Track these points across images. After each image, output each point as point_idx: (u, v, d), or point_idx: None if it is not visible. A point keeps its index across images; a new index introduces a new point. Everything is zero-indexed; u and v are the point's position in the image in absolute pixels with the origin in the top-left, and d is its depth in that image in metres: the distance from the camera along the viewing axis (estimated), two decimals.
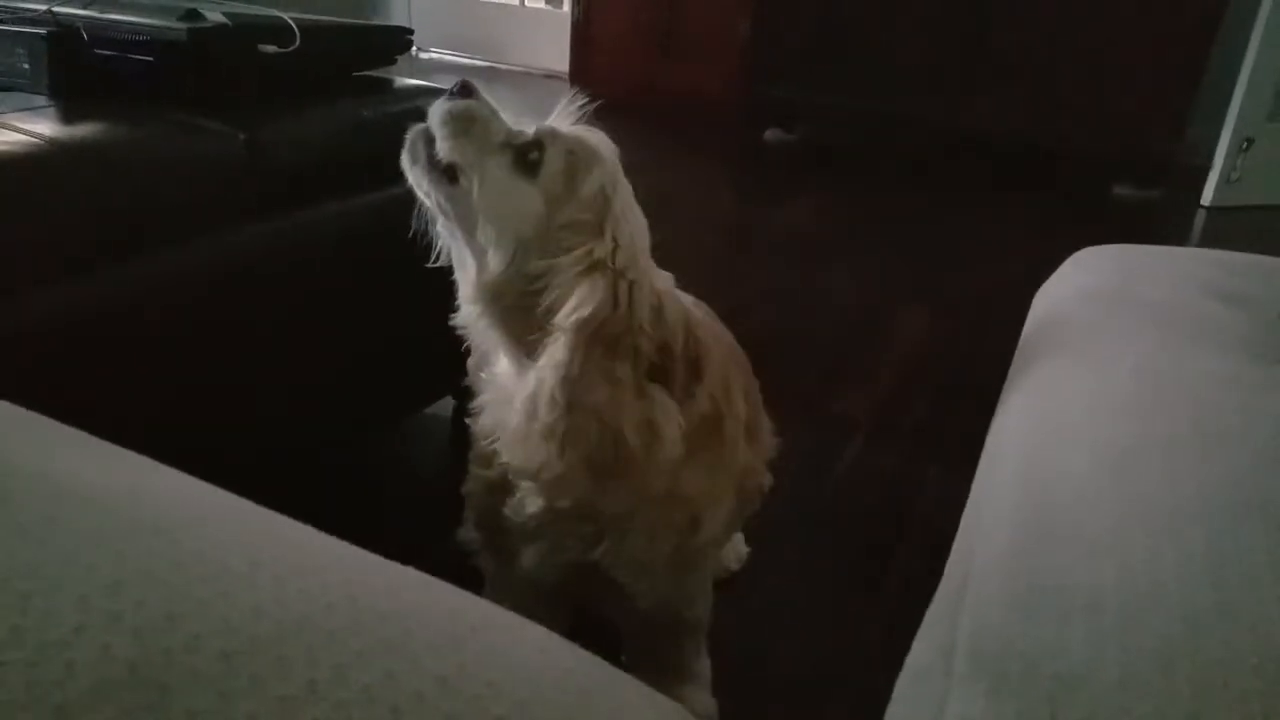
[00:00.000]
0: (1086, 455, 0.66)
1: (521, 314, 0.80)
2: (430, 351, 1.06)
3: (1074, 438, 0.69)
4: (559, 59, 4.53)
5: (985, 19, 3.37)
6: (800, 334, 2.10)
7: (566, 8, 4.51)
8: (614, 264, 0.77)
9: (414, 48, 4.55)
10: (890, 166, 3.64)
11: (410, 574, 0.42)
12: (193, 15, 1.08)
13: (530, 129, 0.82)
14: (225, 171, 1.06)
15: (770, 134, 3.88)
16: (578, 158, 0.80)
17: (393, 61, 1.39)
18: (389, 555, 0.43)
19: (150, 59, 1.14)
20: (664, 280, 0.84)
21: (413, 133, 0.84)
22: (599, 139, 0.83)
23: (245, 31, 1.13)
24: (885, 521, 1.45)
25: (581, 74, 4.40)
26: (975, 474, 0.84)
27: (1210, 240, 2.98)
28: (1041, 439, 0.73)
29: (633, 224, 0.82)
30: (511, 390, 0.82)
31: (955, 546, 0.69)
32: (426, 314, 0.94)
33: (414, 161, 0.83)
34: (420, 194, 0.84)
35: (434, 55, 5.08)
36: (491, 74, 4.79)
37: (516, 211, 0.79)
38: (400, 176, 1.11)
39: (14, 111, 0.99)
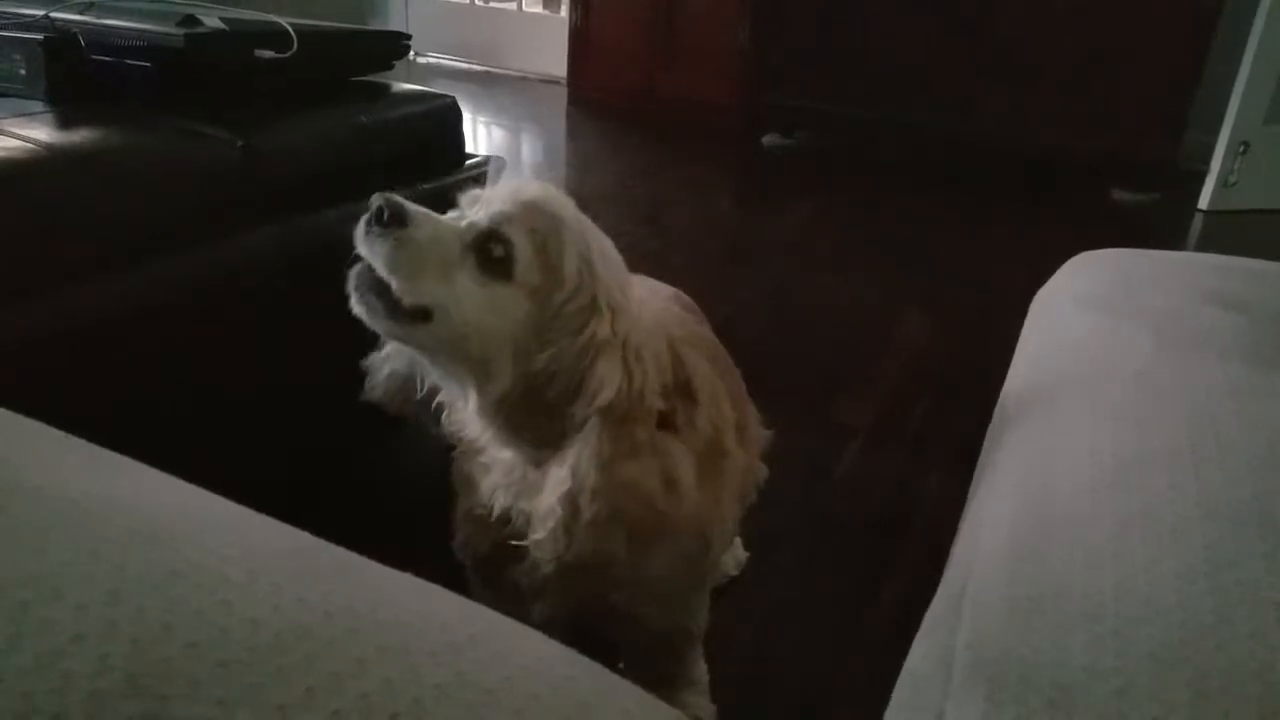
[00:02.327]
0: (1085, 462, 0.66)
1: (529, 410, 0.76)
2: None
3: (1072, 444, 0.69)
4: (557, 64, 4.53)
5: (984, 26, 3.38)
6: (799, 339, 2.10)
7: (565, 13, 4.51)
8: (615, 333, 0.75)
9: (412, 53, 4.56)
10: (888, 171, 3.64)
11: (408, 581, 0.42)
12: (190, 21, 1.08)
13: (477, 215, 0.75)
14: (223, 177, 1.06)
15: (769, 140, 3.89)
16: (543, 233, 0.74)
17: (390, 67, 1.39)
18: (387, 562, 0.42)
19: (148, 65, 1.14)
20: (641, 304, 0.81)
21: (356, 279, 0.75)
22: (549, 194, 0.77)
23: (242, 37, 1.14)
24: (885, 527, 1.45)
25: (579, 79, 4.40)
26: (973, 480, 0.84)
27: (1207, 244, 2.98)
28: (1039, 446, 0.73)
29: (614, 273, 0.78)
30: (522, 475, 0.80)
31: (953, 553, 0.69)
32: None
33: (373, 314, 0.75)
34: (389, 340, 0.77)
35: (432, 60, 5.08)
36: (489, 79, 4.80)
37: (506, 320, 0.74)
38: (398, 182, 1.11)
39: (11, 117, 1.00)
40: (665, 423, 0.78)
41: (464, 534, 0.91)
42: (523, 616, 0.92)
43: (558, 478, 0.74)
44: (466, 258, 0.73)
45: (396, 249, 0.72)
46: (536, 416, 0.76)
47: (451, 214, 0.79)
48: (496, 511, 0.82)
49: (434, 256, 0.73)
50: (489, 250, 0.73)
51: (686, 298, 1.10)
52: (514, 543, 0.80)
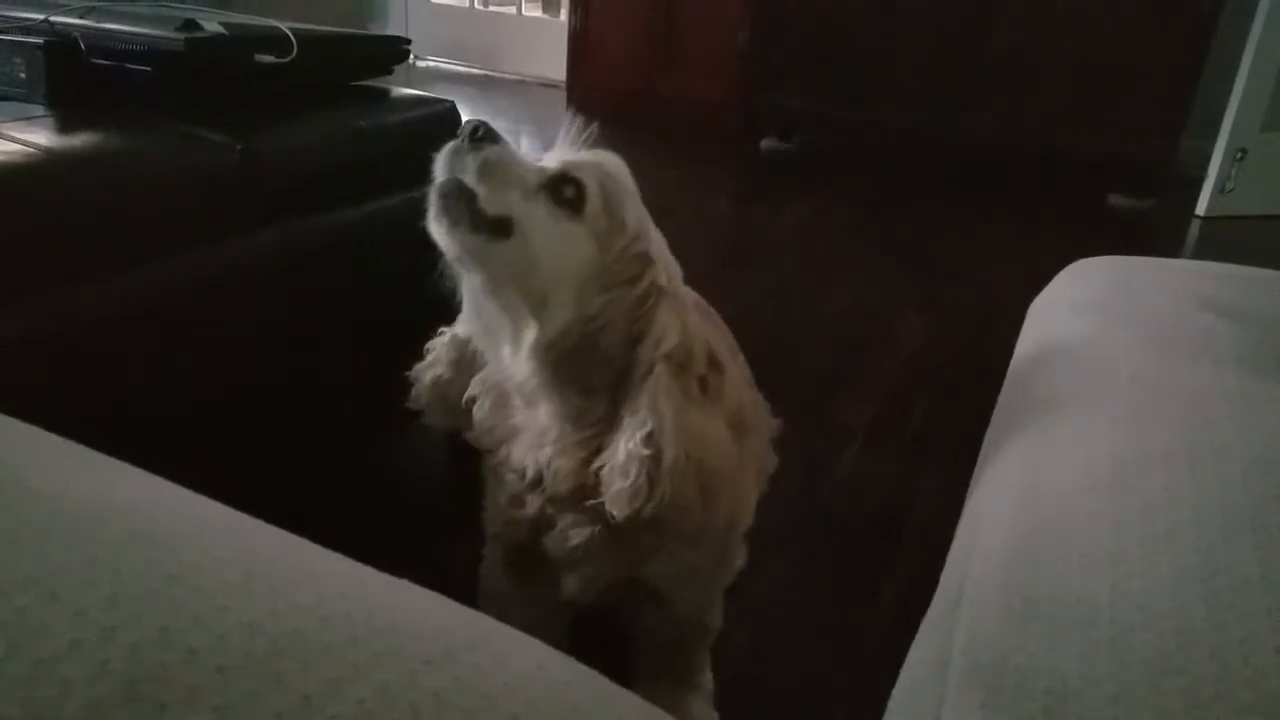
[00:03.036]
0: (1081, 467, 0.66)
1: (578, 358, 0.77)
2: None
3: (1068, 449, 0.70)
4: (556, 68, 4.54)
5: (982, 29, 3.38)
6: (798, 341, 2.11)
7: (564, 16, 4.52)
8: (668, 285, 0.78)
9: (411, 57, 4.57)
10: (887, 175, 3.65)
11: (406, 587, 0.42)
12: (190, 25, 1.09)
13: (552, 163, 0.79)
14: (222, 181, 1.07)
15: (768, 142, 3.89)
16: (608, 185, 0.79)
17: (390, 71, 1.39)
18: (384, 567, 0.43)
19: (148, 69, 1.14)
20: (677, 275, 0.84)
21: (441, 189, 0.76)
22: (614, 163, 0.82)
23: (242, 42, 1.14)
24: (884, 527, 1.45)
25: (579, 83, 4.40)
26: (970, 483, 0.84)
27: (1204, 251, 2.99)
28: (1036, 450, 0.73)
29: (659, 238, 0.82)
30: (558, 434, 0.80)
31: (950, 558, 0.69)
32: (424, 322, 0.94)
33: (455, 223, 0.75)
34: (457, 257, 0.77)
35: (431, 64, 5.09)
36: (488, 83, 4.80)
37: (573, 255, 0.76)
38: (397, 187, 1.11)
39: (11, 121, 1.00)
40: (701, 386, 0.79)
41: (501, 520, 0.91)
42: (548, 611, 0.92)
43: (634, 421, 0.74)
44: (540, 193, 0.77)
45: (488, 161, 0.75)
46: (587, 362, 0.77)
47: None
48: (530, 473, 0.83)
49: (518, 177, 0.76)
50: (560, 191, 0.77)
51: (694, 294, 1.11)
52: (570, 514, 0.81)
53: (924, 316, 2.28)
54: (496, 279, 0.77)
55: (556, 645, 0.41)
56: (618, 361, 0.77)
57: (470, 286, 0.81)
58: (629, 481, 0.73)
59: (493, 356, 0.83)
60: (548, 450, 0.81)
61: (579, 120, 0.83)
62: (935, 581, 0.66)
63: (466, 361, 0.88)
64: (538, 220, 0.76)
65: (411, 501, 1.44)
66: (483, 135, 0.76)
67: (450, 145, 0.77)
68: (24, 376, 0.87)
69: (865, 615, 1.25)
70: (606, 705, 0.38)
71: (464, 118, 1.41)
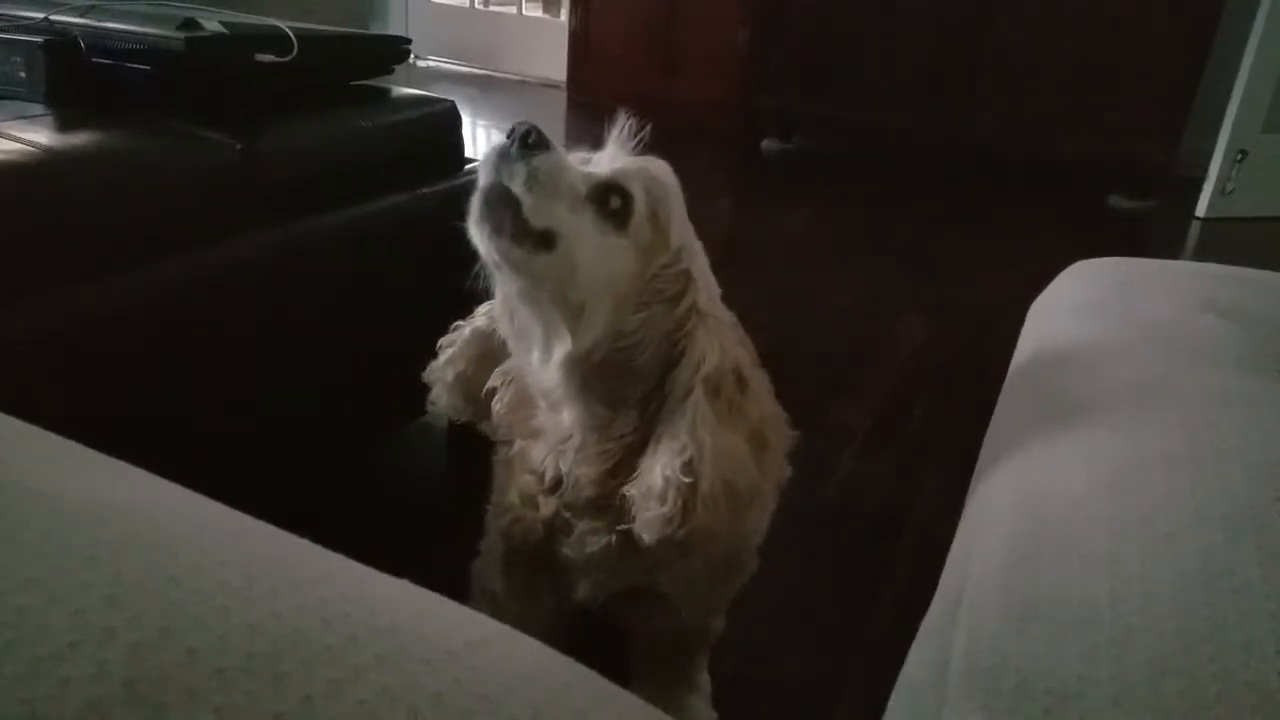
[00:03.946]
0: (1081, 470, 0.66)
1: (608, 371, 0.76)
2: (428, 357, 1.06)
3: (1068, 452, 0.69)
4: (557, 68, 4.54)
5: (982, 31, 3.38)
6: (798, 343, 2.11)
7: (564, 16, 4.52)
8: (707, 306, 0.77)
9: (411, 57, 4.57)
10: (887, 177, 3.65)
11: (406, 588, 0.42)
12: (190, 25, 1.08)
13: (600, 168, 0.77)
14: (222, 181, 1.06)
15: (767, 144, 3.89)
16: (655, 196, 0.77)
17: (390, 71, 1.39)
18: (385, 568, 0.42)
19: (148, 68, 1.14)
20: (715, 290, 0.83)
21: (486, 195, 0.73)
22: (663, 170, 0.79)
23: (243, 41, 1.14)
24: (884, 529, 1.45)
25: (579, 83, 4.40)
26: (970, 485, 0.84)
27: (1204, 252, 2.99)
28: (1035, 452, 0.73)
29: (700, 251, 0.80)
30: (580, 441, 0.80)
31: (950, 560, 0.69)
32: (425, 321, 0.94)
33: (498, 231, 0.72)
34: (496, 263, 0.76)
35: (432, 64, 5.08)
36: (489, 83, 4.80)
37: (614, 270, 0.75)
38: (398, 186, 1.11)
39: (11, 120, 1.00)
40: (728, 407, 0.79)
41: (509, 518, 0.90)
42: (545, 610, 0.92)
43: (673, 446, 0.73)
44: (587, 203, 0.75)
45: (537, 170, 0.72)
46: (617, 377, 0.77)
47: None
48: (549, 477, 0.82)
49: (566, 187, 0.74)
50: (607, 201, 0.75)
51: (729, 312, 1.11)
52: (587, 524, 0.80)
53: (924, 317, 2.28)
54: (535, 289, 0.75)
55: (554, 645, 0.41)
56: (649, 378, 0.76)
57: (505, 290, 0.80)
58: (665, 509, 0.72)
59: (522, 359, 0.82)
60: (570, 456, 0.80)
61: (631, 121, 0.81)
62: (935, 583, 0.66)
63: (489, 355, 0.87)
64: (583, 233, 0.74)
65: (412, 502, 1.44)
66: (534, 142, 0.72)
67: (498, 147, 0.73)
68: (23, 376, 0.86)
69: (865, 616, 1.25)
70: (606, 706, 0.38)
71: (464, 118, 1.41)
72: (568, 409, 0.80)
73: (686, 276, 0.77)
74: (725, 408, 0.76)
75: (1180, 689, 0.45)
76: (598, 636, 0.96)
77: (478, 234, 0.74)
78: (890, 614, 1.24)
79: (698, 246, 0.80)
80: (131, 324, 0.97)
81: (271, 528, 0.43)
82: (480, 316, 0.88)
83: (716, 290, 0.82)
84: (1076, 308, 0.97)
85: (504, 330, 0.83)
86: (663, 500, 0.72)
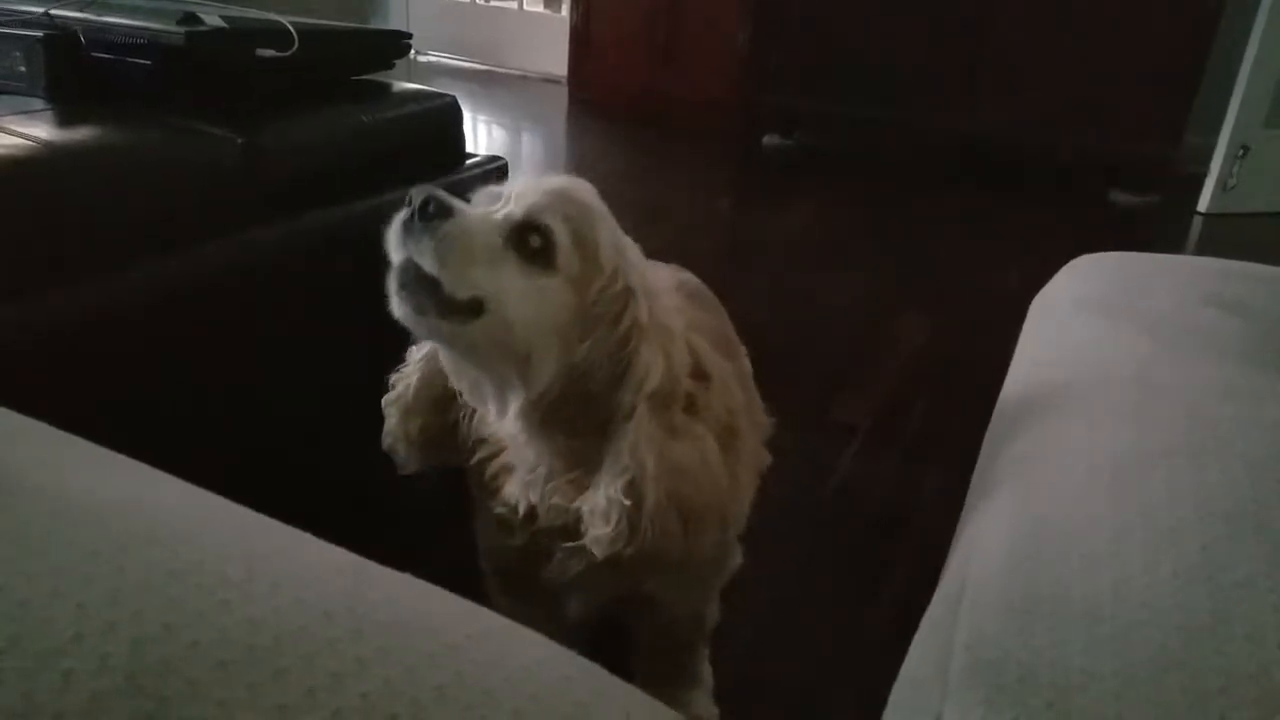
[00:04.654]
0: (1083, 464, 0.66)
1: (567, 403, 0.75)
2: None
3: (1070, 446, 0.69)
4: (558, 63, 4.53)
5: (983, 27, 3.38)
6: (799, 339, 2.11)
7: (565, 12, 4.51)
8: (651, 318, 0.75)
9: (412, 52, 4.56)
10: (888, 173, 3.64)
11: (408, 581, 0.42)
12: (190, 19, 1.08)
13: (510, 205, 0.74)
14: (223, 176, 1.06)
15: (769, 140, 3.89)
16: (576, 221, 0.73)
17: (391, 65, 1.39)
18: (386, 562, 0.42)
19: (148, 63, 1.14)
20: (659, 291, 0.80)
21: (401, 277, 0.71)
22: (575, 184, 0.76)
23: (243, 36, 1.13)
24: (884, 527, 1.45)
25: (580, 79, 4.40)
26: (972, 481, 0.84)
27: (1206, 247, 2.99)
28: (1037, 447, 0.73)
29: (639, 259, 0.78)
30: (548, 471, 0.79)
31: (951, 555, 0.69)
32: None
33: (422, 312, 0.71)
34: (431, 340, 0.74)
35: (432, 59, 5.08)
36: (489, 78, 4.79)
37: (551, 312, 0.72)
38: (399, 181, 1.10)
39: (10, 115, 0.99)
40: (688, 405, 0.78)
41: (487, 542, 0.90)
42: (546, 619, 0.92)
43: (615, 468, 0.73)
44: (507, 251, 0.72)
45: (445, 241, 0.69)
46: (575, 408, 0.75)
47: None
48: (523, 509, 0.81)
49: (480, 248, 0.71)
50: (527, 242, 0.72)
51: (693, 281, 1.10)
52: (565, 544, 0.79)
53: (925, 314, 2.28)
54: (474, 354, 0.74)
55: (558, 641, 0.41)
56: (606, 401, 0.75)
57: (446, 356, 0.79)
58: (609, 527, 0.72)
59: (479, 409, 0.81)
60: (539, 487, 0.80)
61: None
62: (935, 580, 0.66)
63: (444, 397, 0.84)
64: (510, 288, 0.71)
65: (413, 496, 1.44)
66: (435, 210, 0.69)
67: (400, 219, 0.71)
68: (22, 372, 0.86)
69: (865, 614, 1.25)
70: (609, 699, 0.38)
71: (464, 113, 1.41)
72: (532, 446, 0.79)
73: (626, 293, 0.74)
74: (677, 415, 0.75)
75: (1183, 683, 0.45)
76: (599, 633, 0.96)
77: (401, 315, 0.72)
78: (890, 612, 1.24)
79: (635, 257, 0.77)
80: (132, 319, 0.97)
81: (273, 522, 0.43)
82: (422, 360, 0.85)
83: (664, 295, 0.79)
84: (1078, 302, 0.97)
85: (455, 384, 0.81)
86: (607, 520, 0.72)
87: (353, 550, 0.43)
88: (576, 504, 0.76)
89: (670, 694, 1.02)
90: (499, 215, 0.73)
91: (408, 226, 0.70)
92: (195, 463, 0.53)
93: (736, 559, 0.99)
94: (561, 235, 0.72)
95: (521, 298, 0.71)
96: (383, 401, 0.87)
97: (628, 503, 0.71)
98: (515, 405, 0.75)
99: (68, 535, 0.35)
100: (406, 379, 0.86)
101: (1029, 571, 0.56)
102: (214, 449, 1.03)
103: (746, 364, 1.04)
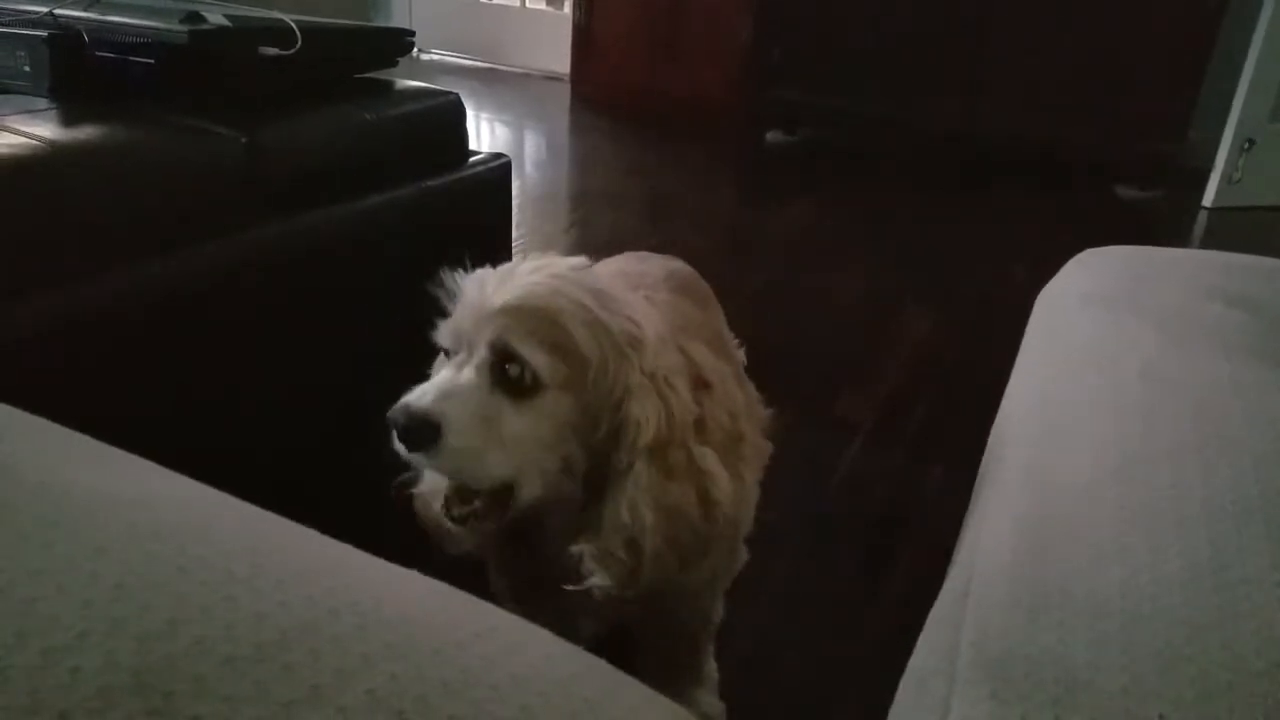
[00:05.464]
0: (1090, 458, 0.65)
1: (569, 470, 0.77)
2: (432, 350, 1.06)
3: (1076, 441, 0.69)
4: (560, 61, 4.53)
5: (987, 22, 3.37)
6: (802, 336, 2.10)
7: (568, 9, 4.51)
8: (644, 371, 0.74)
9: (415, 50, 4.56)
10: (892, 169, 3.64)
11: (414, 578, 0.42)
12: (194, 18, 1.08)
13: (477, 352, 0.73)
14: (226, 174, 1.06)
15: (772, 136, 3.88)
16: (543, 328, 0.72)
17: (394, 63, 1.39)
18: (393, 558, 0.42)
19: (151, 61, 1.14)
20: (646, 317, 0.79)
21: (446, 503, 0.77)
22: (535, 291, 0.73)
23: (246, 34, 1.14)
24: (888, 524, 1.45)
25: (582, 76, 4.39)
26: (977, 477, 0.84)
27: (1212, 241, 2.98)
28: (1044, 442, 0.73)
29: (620, 309, 0.76)
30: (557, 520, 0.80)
31: (958, 550, 0.69)
32: (429, 314, 0.93)
33: (475, 518, 0.76)
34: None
35: (435, 57, 5.08)
36: (492, 75, 4.79)
37: (559, 423, 0.74)
38: (402, 179, 1.10)
39: (14, 114, 1.00)
40: (696, 428, 0.78)
41: (498, 580, 0.92)
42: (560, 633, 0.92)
43: (614, 522, 0.74)
44: (495, 395, 0.72)
45: (448, 461, 0.71)
46: (575, 466, 0.77)
47: (439, 359, 0.79)
48: (548, 551, 0.82)
49: (481, 436, 0.71)
50: (508, 375, 0.72)
51: (684, 271, 1.10)
52: (567, 587, 0.79)
53: (929, 310, 2.27)
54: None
55: (565, 638, 0.41)
56: (604, 457, 0.76)
57: None
58: (610, 580, 0.75)
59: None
60: (545, 534, 0.82)
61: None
62: (939, 579, 0.66)
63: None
64: (522, 436, 0.72)
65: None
66: (418, 437, 0.70)
67: (396, 440, 0.72)
68: (26, 371, 0.87)
69: (867, 613, 1.25)
70: (616, 695, 0.38)
71: (467, 111, 1.41)
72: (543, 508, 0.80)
73: (618, 357, 0.74)
74: (673, 457, 0.75)
75: (1190, 678, 0.45)
76: (603, 632, 0.96)
77: (452, 527, 0.76)
78: (893, 611, 1.24)
79: (613, 305, 0.76)
80: (133, 318, 0.97)
81: (278, 518, 0.43)
82: None
83: (645, 325, 0.78)
84: (1084, 296, 0.96)
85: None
86: (607, 569, 0.74)
87: (358, 547, 0.43)
88: (576, 548, 0.76)
89: (676, 690, 1.02)
90: (470, 372, 0.73)
91: (402, 442, 0.72)
92: (196, 461, 0.53)
93: (742, 559, 0.99)
94: (536, 355, 0.72)
95: (534, 434, 0.73)
96: (418, 515, 0.87)
97: (626, 559, 0.73)
98: (527, 498, 0.77)
99: (72, 532, 0.35)
100: (436, 493, 0.84)
101: (1036, 566, 0.56)
102: (215, 448, 1.03)
103: (740, 355, 1.04)
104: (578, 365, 0.73)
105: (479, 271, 0.77)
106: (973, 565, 0.61)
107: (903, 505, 1.49)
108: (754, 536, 1.27)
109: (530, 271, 0.75)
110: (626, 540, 0.73)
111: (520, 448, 0.73)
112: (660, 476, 0.74)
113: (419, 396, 0.71)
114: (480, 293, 0.74)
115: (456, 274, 0.78)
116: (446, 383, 0.72)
